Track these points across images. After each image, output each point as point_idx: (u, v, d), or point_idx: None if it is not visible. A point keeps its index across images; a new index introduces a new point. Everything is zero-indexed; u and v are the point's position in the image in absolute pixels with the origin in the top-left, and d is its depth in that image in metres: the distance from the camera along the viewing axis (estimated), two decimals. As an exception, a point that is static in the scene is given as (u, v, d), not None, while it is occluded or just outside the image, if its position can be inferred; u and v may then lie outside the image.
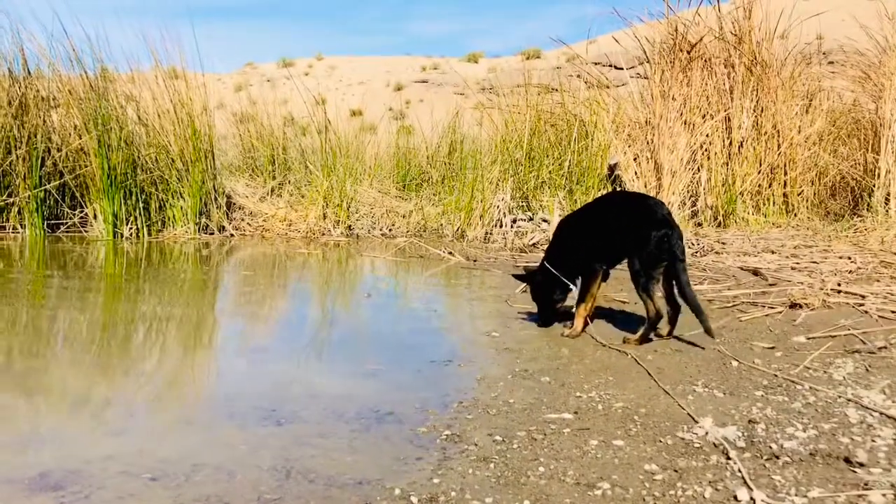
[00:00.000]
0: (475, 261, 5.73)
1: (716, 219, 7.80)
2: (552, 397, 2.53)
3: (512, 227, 7.08)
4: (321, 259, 6.08)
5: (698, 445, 2.09)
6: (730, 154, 7.93)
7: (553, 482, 1.87)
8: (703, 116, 7.99)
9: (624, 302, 4.17)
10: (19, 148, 6.95)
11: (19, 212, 7.09)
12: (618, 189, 7.55)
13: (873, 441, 2.08)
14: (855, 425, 2.21)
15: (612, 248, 3.31)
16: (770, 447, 2.06)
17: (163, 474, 1.89)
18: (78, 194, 7.27)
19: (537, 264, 3.65)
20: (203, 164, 7.15)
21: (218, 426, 2.27)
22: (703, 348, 3.15)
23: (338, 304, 4.54)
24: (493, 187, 7.21)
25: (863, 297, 4.01)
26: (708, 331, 3.11)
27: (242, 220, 7.57)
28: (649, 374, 2.78)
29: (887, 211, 7.29)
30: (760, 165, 7.93)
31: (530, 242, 6.58)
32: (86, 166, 7.01)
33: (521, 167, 7.60)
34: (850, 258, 5.23)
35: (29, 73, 7.37)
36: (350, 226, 7.52)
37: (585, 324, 3.40)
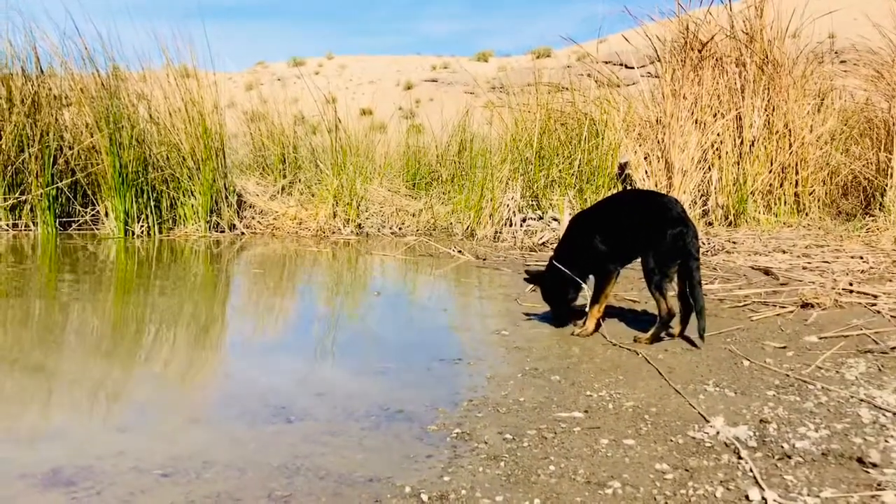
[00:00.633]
0: (485, 259, 5.72)
1: (727, 218, 7.76)
2: (562, 396, 2.52)
3: (522, 225, 7.07)
4: (331, 257, 6.09)
5: (709, 445, 2.08)
6: (741, 153, 7.89)
7: (564, 481, 1.86)
8: (715, 115, 7.95)
9: (634, 301, 4.15)
10: (32, 146, 6.99)
11: (31, 209, 7.13)
12: (628, 188, 7.52)
13: (886, 441, 2.07)
14: (868, 425, 2.20)
15: (626, 247, 3.28)
16: (782, 447, 2.05)
17: (174, 471, 1.89)
18: (90, 192, 7.31)
19: (545, 264, 3.62)
20: (214, 162, 7.17)
21: (228, 423, 2.28)
22: (714, 348, 3.13)
23: (347, 303, 4.55)
24: (503, 186, 7.20)
25: (875, 296, 3.99)
26: (702, 331, 3.10)
27: (253, 218, 7.59)
28: (660, 373, 2.77)
29: (900, 210, 7.23)
30: (772, 165, 7.89)
31: (540, 241, 6.57)
32: (97, 164, 7.05)
33: (531, 166, 7.58)
34: (862, 258, 5.20)
35: (42, 71, 7.41)
36: (360, 224, 7.53)
37: (597, 325, 3.39)
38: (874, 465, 1.91)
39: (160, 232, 7.08)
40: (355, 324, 3.97)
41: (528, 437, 2.14)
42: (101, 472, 1.88)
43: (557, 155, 7.72)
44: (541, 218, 7.15)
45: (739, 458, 1.98)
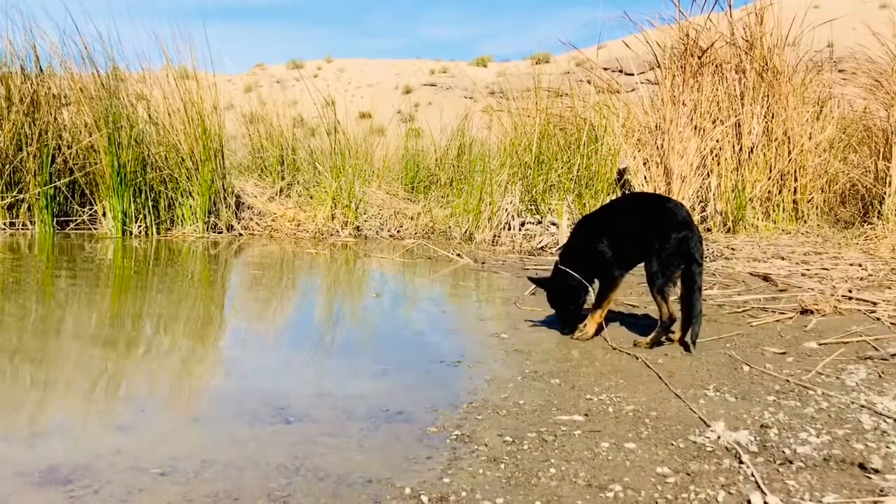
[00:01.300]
0: (483, 263, 5.71)
1: (725, 224, 7.76)
2: (562, 399, 2.51)
3: (520, 230, 7.06)
4: (329, 259, 6.08)
5: (710, 449, 2.07)
6: (740, 160, 7.90)
7: (564, 483, 1.85)
8: (714, 122, 7.96)
9: (634, 306, 4.15)
10: (30, 145, 6.98)
11: (29, 208, 7.12)
12: (627, 193, 7.52)
13: (888, 447, 2.06)
14: (869, 431, 2.19)
15: (631, 251, 3.27)
16: (783, 452, 2.04)
17: (172, 470, 1.88)
18: (88, 191, 7.30)
19: (543, 268, 3.58)
20: (212, 163, 7.17)
21: (227, 423, 2.26)
22: (713, 353, 3.13)
23: (346, 305, 4.54)
24: (502, 190, 7.20)
25: (874, 303, 3.98)
26: (695, 337, 3.10)
27: (251, 219, 7.58)
28: (660, 377, 2.76)
29: (898, 219, 7.25)
30: (770, 172, 7.90)
31: (538, 245, 6.57)
32: (96, 164, 7.04)
33: (530, 170, 7.58)
34: (860, 265, 5.20)
35: (41, 70, 7.41)
36: (358, 227, 7.52)
37: (598, 330, 3.37)
38: (876, 471, 1.90)
39: (158, 232, 7.06)
40: (354, 325, 3.96)
41: (528, 440, 2.13)
42: (98, 470, 1.87)
43: (556, 160, 7.72)
44: (539, 222, 7.15)
45: (741, 462, 1.97)
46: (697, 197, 7.83)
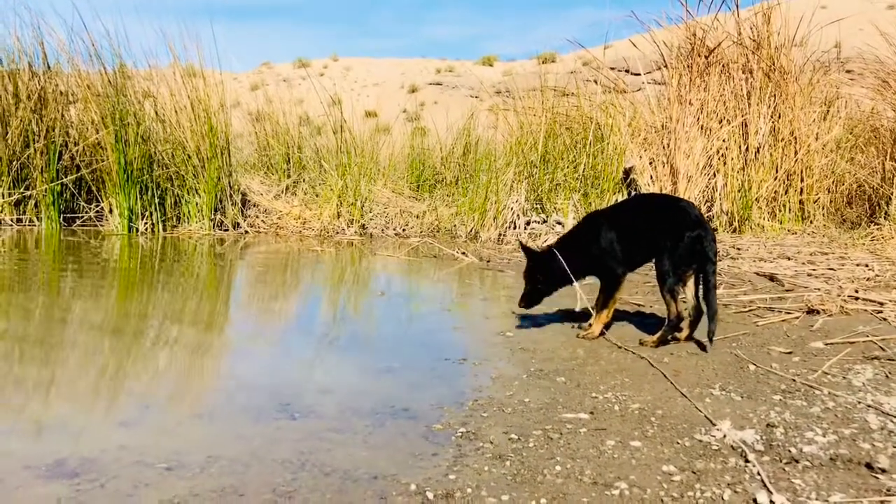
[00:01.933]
0: (488, 261, 5.71)
1: (731, 224, 7.75)
2: (568, 397, 2.51)
3: (525, 228, 7.06)
4: (335, 257, 6.08)
5: (716, 448, 2.07)
6: (746, 160, 7.88)
7: (570, 481, 1.85)
8: (720, 121, 7.94)
9: (640, 305, 4.14)
10: (37, 141, 7.00)
11: (36, 205, 7.14)
12: (633, 193, 7.52)
13: (895, 447, 2.05)
14: (876, 431, 2.18)
15: (640, 250, 3.25)
16: (789, 451, 2.03)
17: (178, 465, 1.88)
18: (94, 188, 7.32)
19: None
20: (219, 160, 7.17)
21: (233, 419, 2.27)
22: (719, 352, 3.12)
23: (352, 302, 4.54)
24: (508, 189, 7.20)
25: (881, 304, 3.97)
26: (711, 335, 3.09)
27: (257, 217, 7.59)
28: (665, 376, 2.76)
29: (905, 220, 7.22)
30: (777, 172, 7.88)
31: (544, 244, 6.55)
32: (103, 161, 7.05)
33: (536, 169, 7.57)
34: (867, 265, 5.18)
35: (48, 67, 7.42)
36: (364, 225, 7.52)
37: (602, 330, 3.36)
38: (883, 471, 1.90)
39: (164, 229, 7.07)
40: (360, 323, 3.96)
41: (533, 438, 2.13)
42: (104, 464, 1.87)
43: (562, 159, 7.72)
44: (545, 221, 7.14)
45: (747, 461, 1.97)
46: (703, 197, 7.82)
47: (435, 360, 3.04)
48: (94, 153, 7.17)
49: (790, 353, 3.13)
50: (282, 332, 3.69)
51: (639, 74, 8.76)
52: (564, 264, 3.32)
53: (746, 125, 7.91)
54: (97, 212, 7.31)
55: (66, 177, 7.14)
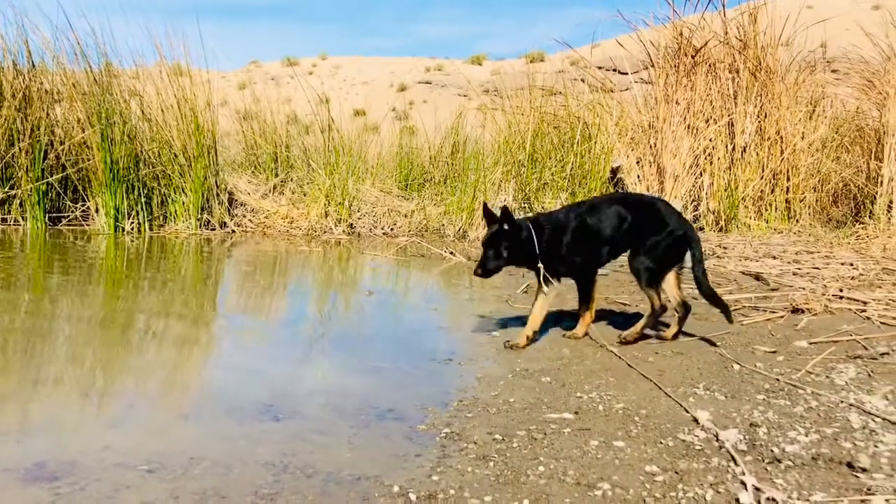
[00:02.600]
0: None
1: (718, 223, 7.79)
2: (553, 397, 2.51)
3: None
4: (322, 257, 6.07)
5: (699, 447, 2.07)
6: (732, 159, 7.92)
7: (553, 482, 1.85)
8: (707, 121, 7.98)
9: (625, 304, 4.15)
10: (22, 140, 6.94)
11: (21, 204, 7.08)
12: (619, 192, 7.54)
13: (876, 446, 2.07)
14: (857, 430, 2.20)
15: (616, 246, 3.24)
16: (772, 450, 2.04)
17: (160, 467, 1.87)
18: (80, 188, 7.26)
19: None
20: (206, 159, 7.14)
21: (216, 420, 2.25)
22: (704, 351, 3.13)
23: (339, 302, 4.53)
24: (496, 188, 7.21)
25: (865, 303, 4.00)
26: (727, 314, 3.20)
27: (244, 216, 7.56)
28: (645, 376, 2.77)
29: (889, 218, 7.29)
30: (763, 171, 7.92)
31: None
32: (88, 160, 7.00)
33: (524, 168, 7.59)
34: (852, 265, 5.21)
35: (33, 65, 7.35)
36: (352, 224, 7.50)
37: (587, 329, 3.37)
38: (864, 470, 1.91)
39: (150, 229, 7.03)
40: (346, 323, 3.95)
41: (517, 438, 2.13)
42: (85, 467, 1.86)
43: (550, 158, 7.73)
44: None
45: (730, 461, 1.98)
46: (690, 196, 7.86)
47: (421, 360, 3.04)
48: (80, 152, 7.11)
49: (774, 352, 3.15)
50: (268, 333, 3.67)
51: (626, 74, 8.79)
52: (534, 237, 3.14)
53: (733, 124, 7.95)
54: (83, 211, 7.26)
55: (51, 176, 7.08)
